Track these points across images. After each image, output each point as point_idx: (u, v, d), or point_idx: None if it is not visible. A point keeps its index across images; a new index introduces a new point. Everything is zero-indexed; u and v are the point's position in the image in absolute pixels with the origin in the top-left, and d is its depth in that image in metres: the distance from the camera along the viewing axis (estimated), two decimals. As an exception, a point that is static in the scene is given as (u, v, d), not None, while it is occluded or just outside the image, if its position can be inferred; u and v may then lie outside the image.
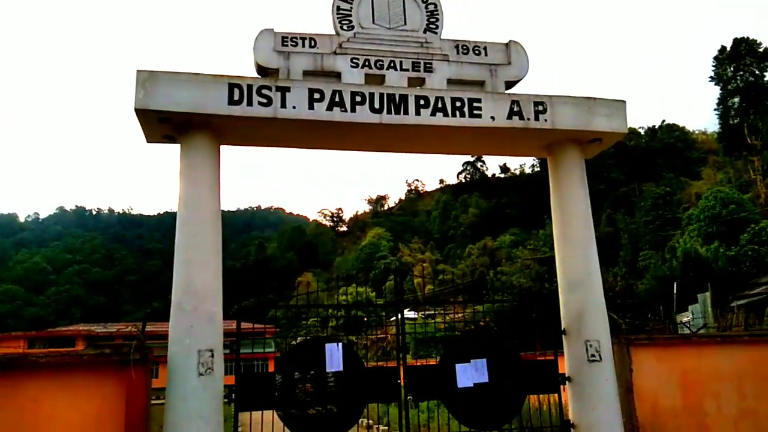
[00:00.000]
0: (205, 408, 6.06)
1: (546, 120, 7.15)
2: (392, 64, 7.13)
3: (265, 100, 6.47)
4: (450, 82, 7.27)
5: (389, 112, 6.74)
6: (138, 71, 6.24)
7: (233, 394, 6.48)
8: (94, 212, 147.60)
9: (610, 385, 7.00)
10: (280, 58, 6.90)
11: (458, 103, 6.94)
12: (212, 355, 6.19)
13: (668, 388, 7.47)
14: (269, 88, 6.51)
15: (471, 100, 6.99)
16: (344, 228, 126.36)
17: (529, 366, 7.34)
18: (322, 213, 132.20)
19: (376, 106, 6.72)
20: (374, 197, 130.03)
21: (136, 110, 6.22)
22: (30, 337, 43.44)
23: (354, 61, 7.05)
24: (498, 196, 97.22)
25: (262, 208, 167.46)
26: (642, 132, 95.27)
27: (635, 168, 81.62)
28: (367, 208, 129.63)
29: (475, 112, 6.97)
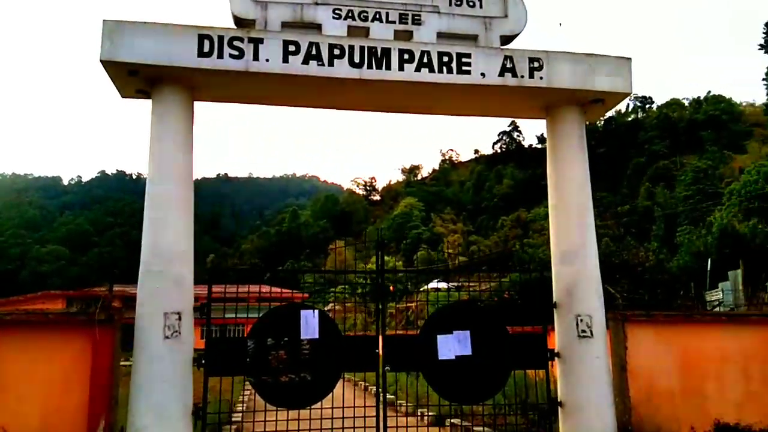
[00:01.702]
0: (170, 371, 5.89)
1: (542, 78, 6.63)
2: (377, 16, 6.68)
3: (236, 53, 6.12)
4: (441, 35, 6.78)
5: (370, 66, 6.33)
6: (104, 21, 5.98)
7: (202, 359, 6.29)
8: (134, 176, 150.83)
9: (601, 363, 6.59)
10: (257, 9, 6.52)
11: (446, 59, 6.47)
12: (179, 318, 6.01)
13: (666, 368, 7.04)
14: (241, 40, 6.16)
15: (460, 56, 6.51)
16: (377, 197, 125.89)
17: (516, 340, 6.95)
18: (356, 182, 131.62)
19: (356, 60, 6.31)
20: (408, 167, 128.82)
21: (103, 62, 5.97)
22: (68, 295, 44.50)
23: (336, 12, 6.62)
24: (534, 167, 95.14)
25: (297, 175, 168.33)
26: (686, 103, 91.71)
27: (678, 140, 78.66)
28: (400, 177, 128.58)
29: (464, 68, 6.50)
